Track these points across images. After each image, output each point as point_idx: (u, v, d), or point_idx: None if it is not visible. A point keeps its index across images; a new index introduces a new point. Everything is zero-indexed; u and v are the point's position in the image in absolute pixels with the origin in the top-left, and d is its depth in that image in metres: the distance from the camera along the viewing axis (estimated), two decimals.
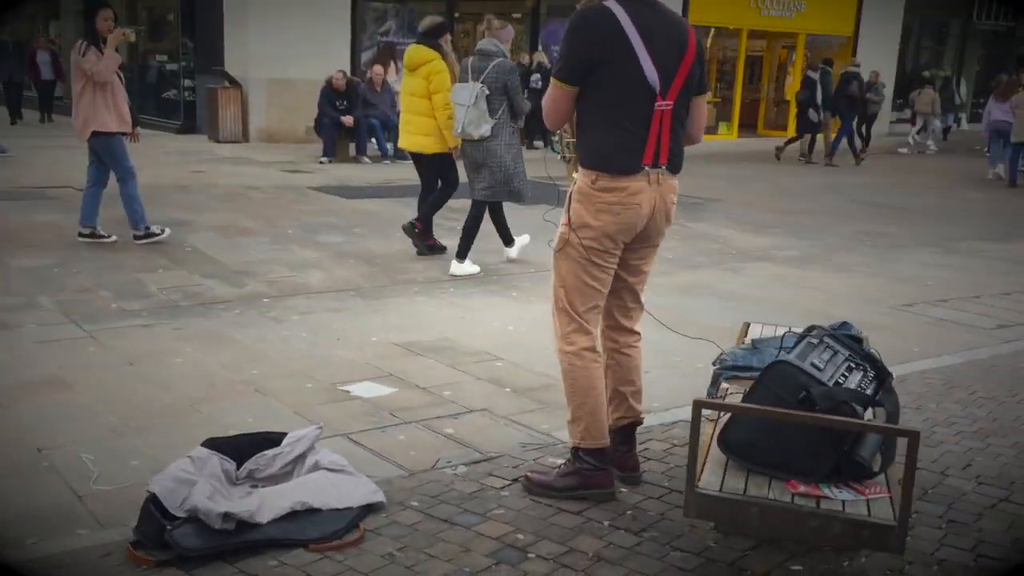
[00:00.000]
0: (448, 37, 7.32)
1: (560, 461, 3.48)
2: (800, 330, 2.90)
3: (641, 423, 3.49)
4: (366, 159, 14.04)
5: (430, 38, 7.21)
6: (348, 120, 13.75)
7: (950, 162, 17.90)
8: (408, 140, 7.42)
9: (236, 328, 5.47)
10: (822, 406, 2.10)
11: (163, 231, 7.65)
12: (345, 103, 13.90)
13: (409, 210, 8.41)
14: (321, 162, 13.52)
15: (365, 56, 16.74)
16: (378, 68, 14.64)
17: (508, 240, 7.49)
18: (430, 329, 5.58)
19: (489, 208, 7.18)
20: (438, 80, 7.06)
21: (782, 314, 6.03)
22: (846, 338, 3.13)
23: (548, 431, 4.01)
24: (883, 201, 12.16)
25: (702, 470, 2.30)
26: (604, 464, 3.28)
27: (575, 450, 3.29)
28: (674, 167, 3.19)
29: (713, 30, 20.82)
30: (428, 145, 7.28)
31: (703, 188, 12.06)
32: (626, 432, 3.45)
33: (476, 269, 7.09)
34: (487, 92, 6.67)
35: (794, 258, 8.23)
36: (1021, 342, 5.69)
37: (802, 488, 2.14)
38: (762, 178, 14.43)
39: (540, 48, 18.02)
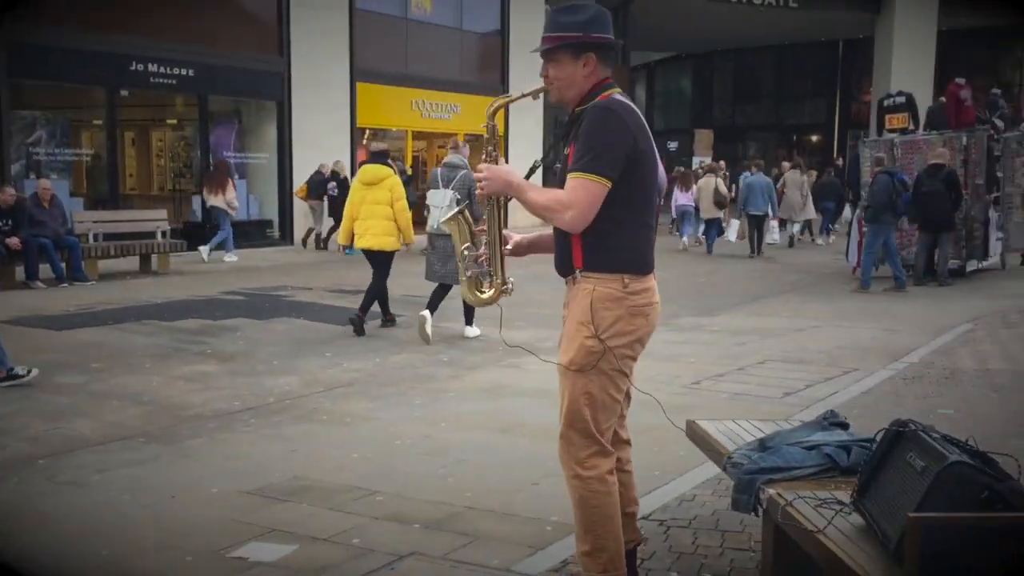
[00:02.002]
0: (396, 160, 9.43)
1: None
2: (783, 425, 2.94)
3: (642, 544, 3.35)
4: (39, 283, 12.40)
5: (382, 158, 9.15)
6: (14, 242, 12.11)
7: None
8: (371, 240, 8.88)
9: (32, 504, 4.50)
10: (1015, 502, 2.13)
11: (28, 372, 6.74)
12: (9, 223, 12.25)
13: (128, 333, 8.10)
14: None
15: (15, 168, 14.97)
16: (45, 182, 13.13)
17: (470, 320, 8.81)
18: (269, 469, 4.97)
19: (442, 288, 8.63)
20: (399, 191, 8.92)
21: None
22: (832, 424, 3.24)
23: (502, 566, 3.69)
24: None
25: None
26: None
27: None
28: None
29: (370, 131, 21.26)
30: (389, 244, 8.94)
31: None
32: (630, 557, 3.27)
33: (479, 331, 8.76)
34: (457, 196, 8.04)
35: (550, 348, 8.43)
36: (818, 405, 6.22)
37: None
38: None
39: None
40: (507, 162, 3.23)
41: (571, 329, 3.01)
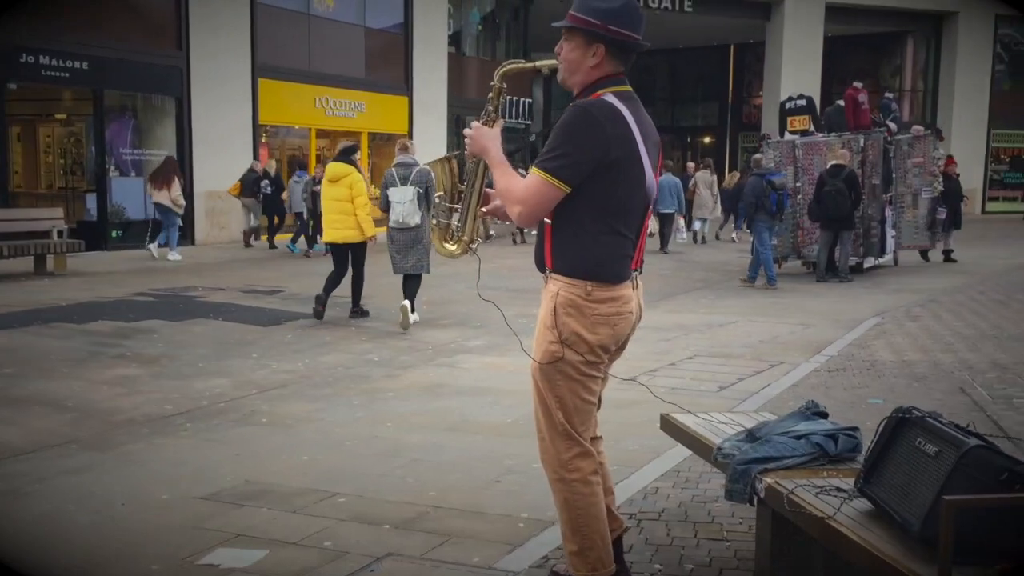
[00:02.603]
0: (358, 156, 9.89)
1: None
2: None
3: (626, 531, 3.36)
4: None
5: (346, 156, 9.63)
6: None
7: None
8: (336, 234, 9.54)
9: None
10: None
11: None
12: None
13: (37, 337, 8.01)
14: None
15: None
16: None
17: (413, 307, 9.24)
18: (217, 474, 4.81)
19: (410, 278, 9.14)
20: (359, 187, 9.43)
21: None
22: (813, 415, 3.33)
23: (483, 564, 3.66)
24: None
25: None
26: None
27: None
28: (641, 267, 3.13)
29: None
30: (353, 236, 9.48)
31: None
32: (617, 547, 3.28)
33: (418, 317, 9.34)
34: (419, 190, 8.84)
35: (481, 347, 8.44)
36: (753, 398, 6.37)
37: None
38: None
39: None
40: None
41: (538, 330, 3.00)
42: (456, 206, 3.17)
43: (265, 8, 19.27)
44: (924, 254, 16.10)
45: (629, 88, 2.97)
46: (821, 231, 13.46)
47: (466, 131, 3.05)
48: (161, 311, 9.92)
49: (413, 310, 9.23)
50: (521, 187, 2.87)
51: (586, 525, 3.02)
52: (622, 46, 2.93)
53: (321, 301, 9.51)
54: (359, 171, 9.65)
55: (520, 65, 3.13)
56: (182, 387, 6.77)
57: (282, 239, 17.36)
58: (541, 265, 3.03)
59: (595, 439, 3.28)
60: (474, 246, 3.18)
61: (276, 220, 17.65)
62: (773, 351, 8.20)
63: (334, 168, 9.60)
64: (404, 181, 8.97)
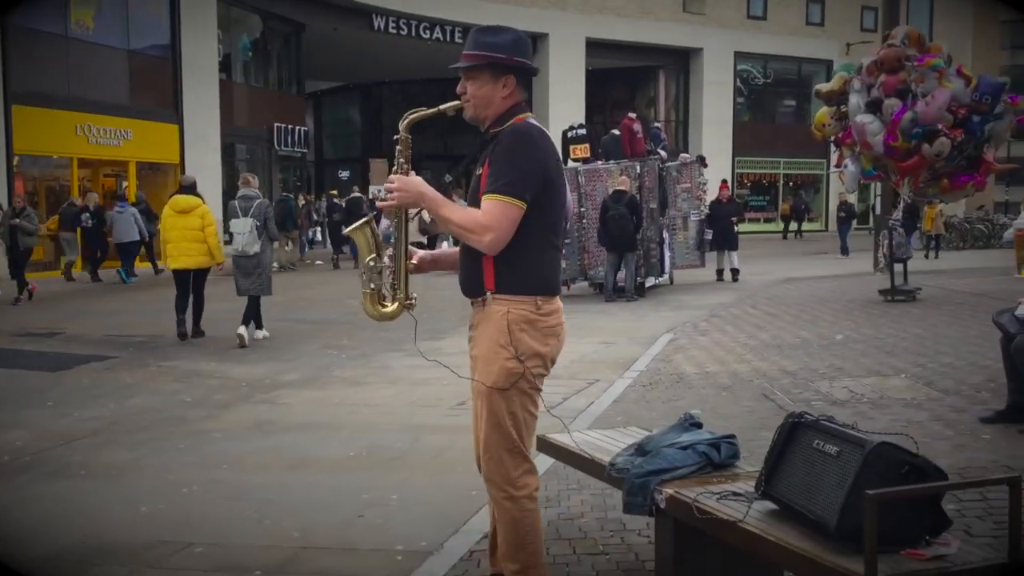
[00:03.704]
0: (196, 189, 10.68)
1: None
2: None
3: None
4: None
5: (193, 190, 10.49)
6: None
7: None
8: (185, 260, 10.19)
9: None
10: (934, 474, 2.47)
11: None
12: None
13: None
14: None
15: None
16: None
17: (260, 324, 10.33)
18: (48, 534, 4.42)
19: (252, 299, 10.04)
20: (210, 217, 10.30)
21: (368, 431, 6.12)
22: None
23: None
24: (307, 316, 12.66)
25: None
26: None
27: None
28: None
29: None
30: (203, 262, 10.24)
31: (132, 327, 11.21)
32: None
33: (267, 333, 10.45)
34: (257, 223, 9.71)
35: (297, 381, 8.23)
36: (583, 416, 6.59)
37: (923, 553, 2.45)
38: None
39: None
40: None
41: (487, 351, 3.01)
42: (385, 264, 3.14)
43: (19, 30, 17.89)
44: (720, 273, 17.12)
45: (531, 113, 3.11)
46: (608, 253, 14.13)
47: (388, 186, 3.02)
48: None
49: (261, 327, 10.35)
50: (485, 216, 2.89)
51: (531, 543, 3.06)
52: (525, 73, 3.07)
53: (181, 323, 10.36)
54: (204, 202, 10.52)
55: (423, 113, 3.16)
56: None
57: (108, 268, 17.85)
58: (476, 290, 3.05)
59: None
60: (411, 302, 3.17)
61: (99, 253, 18.10)
62: (585, 369, 8.51)
63: (183, 201, 10.29)
64: (245, 213, 9.80)
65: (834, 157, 13.94)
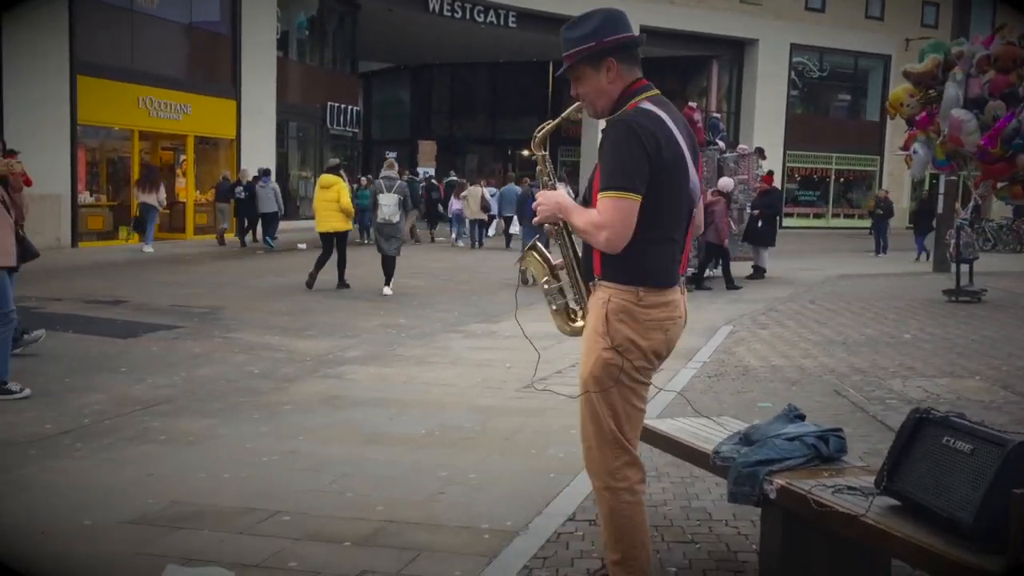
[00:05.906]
0: (341, 170, 13.58)
1: None
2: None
3: None
4: None
5: (334, 171, 13.22)
6: None
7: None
8: (328, 225, 12.82)
9: None
10: None
11: (21, 390, 6.42)
12: None
13: None
14: None
15: None
16: None
17: (388, 282, 12.71)
18: (135, 496, 4.47)
19: (387, 259, 12.60)
20: (344, 193, 12.91)
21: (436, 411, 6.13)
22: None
23: None
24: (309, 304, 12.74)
25: None
26: None
27: None
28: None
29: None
30: (340, 227, 12.91)
31: (196, 298, 11.34)
32: None
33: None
34: (400, 197, 12.41)
35: (361, 357, 8.27)
36: (653, 402, 6.56)
37: None
38: (234, 281, 13.96)
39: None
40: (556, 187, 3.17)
41: (588, 338, 2.99)
42: (561, 283, 3.20)
43: (85, 3, 18.09)
44: (755, 270, 16.40)
45: (659, 92, 3.02)
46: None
47: (535, 205, 3.09)
48: None
49: (388, 284, 12.58)
50: (599, 214, 2.85)
51: (630, 535, 3.01)
52: (626, 48, 2.99)
53: (312, 276, 12.77)
54: (344, 180, 13.23)
55: (549, 126, 3.19)
56: (55, 404, 6.26)
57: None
58: (588, 274, 3.04)
59: None
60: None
61: (246, 222, 20.15)
62: None
63: (326, 179, 13.01)
64: (389, 189, 12.48)
65: (902, 138, 13.42)
